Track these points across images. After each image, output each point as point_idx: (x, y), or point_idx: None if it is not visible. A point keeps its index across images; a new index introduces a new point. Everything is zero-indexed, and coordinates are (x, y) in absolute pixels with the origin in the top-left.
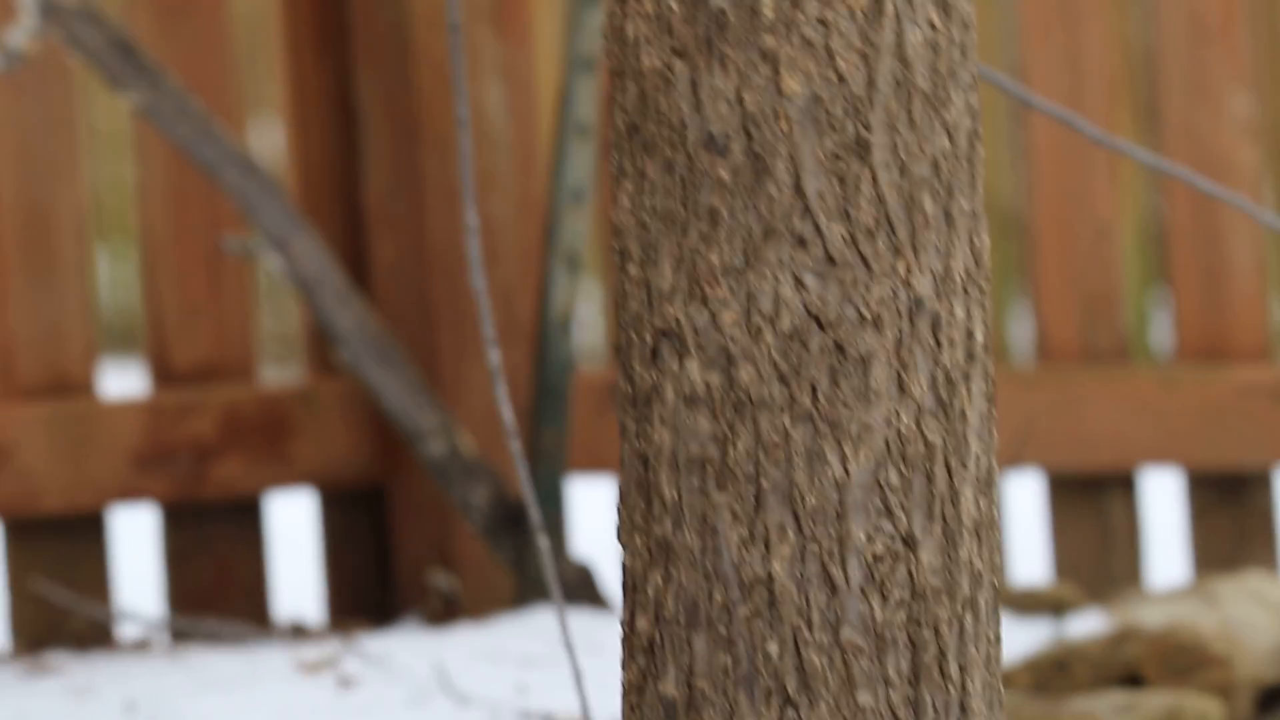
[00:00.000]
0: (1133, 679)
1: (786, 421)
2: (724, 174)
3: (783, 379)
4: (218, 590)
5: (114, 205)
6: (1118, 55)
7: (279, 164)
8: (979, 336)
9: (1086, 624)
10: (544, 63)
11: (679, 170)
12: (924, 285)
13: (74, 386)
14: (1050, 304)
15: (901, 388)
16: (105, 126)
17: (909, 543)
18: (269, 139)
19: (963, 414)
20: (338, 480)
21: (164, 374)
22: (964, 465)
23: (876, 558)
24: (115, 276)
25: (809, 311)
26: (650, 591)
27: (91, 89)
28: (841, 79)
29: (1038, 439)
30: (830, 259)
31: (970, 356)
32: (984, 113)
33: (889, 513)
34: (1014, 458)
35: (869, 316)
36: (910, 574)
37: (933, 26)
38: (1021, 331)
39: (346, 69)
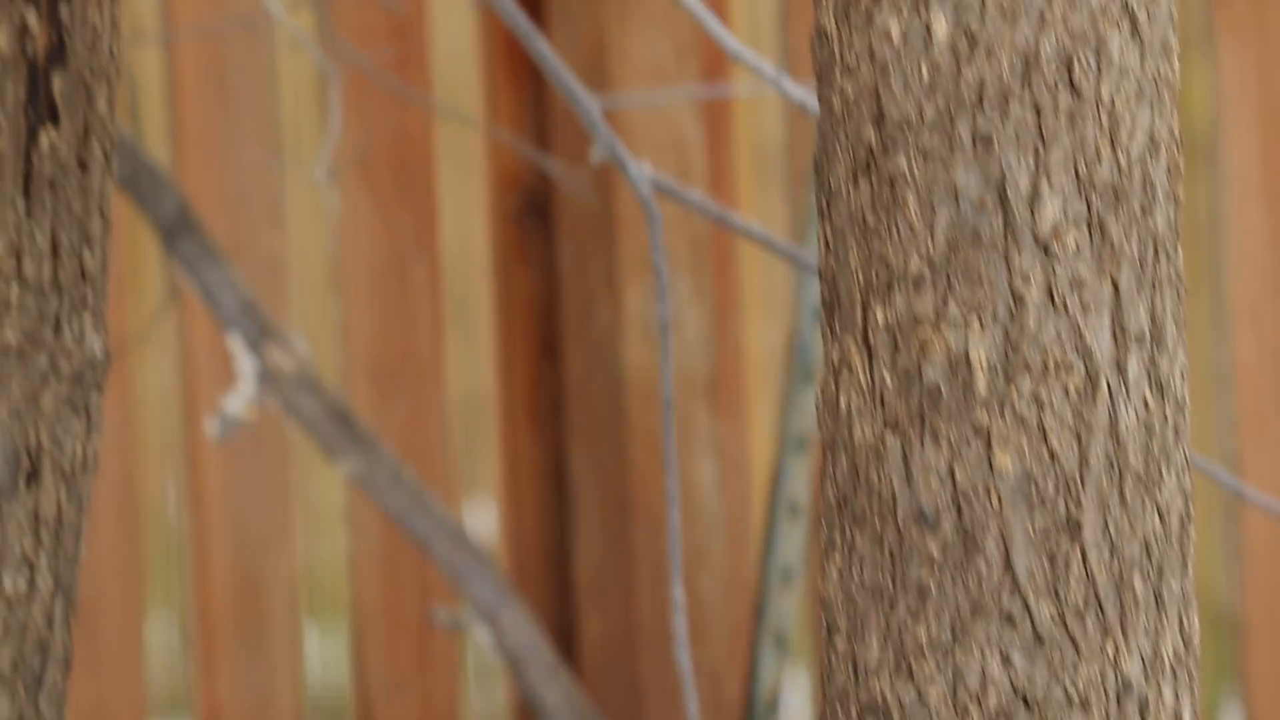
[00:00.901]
0: None
1: None
2: (933, 549)
3: None
4: None
5: (325, 579)
6: None
7: (491, 543)
8: None
9: None
10: (757, 440)
11: (888, 544)
12: (1132, 667)
13: None
14: (1263, 703)
15: None
16: (318, 499)
17: None
18: (483, 519)
19: None
20: None
21: None
22: None
23: None
24: (324, 653)
25: (1016, 690)
26: None
27: (306, 459)
28: (1054, 457)
29: None
30: (1038, 638)
31: None
32: (1196, 504)
33: None
34: None
35: (1076, 697)
36: None
37: (1147, 406)
38: None
39: (560, 443)
